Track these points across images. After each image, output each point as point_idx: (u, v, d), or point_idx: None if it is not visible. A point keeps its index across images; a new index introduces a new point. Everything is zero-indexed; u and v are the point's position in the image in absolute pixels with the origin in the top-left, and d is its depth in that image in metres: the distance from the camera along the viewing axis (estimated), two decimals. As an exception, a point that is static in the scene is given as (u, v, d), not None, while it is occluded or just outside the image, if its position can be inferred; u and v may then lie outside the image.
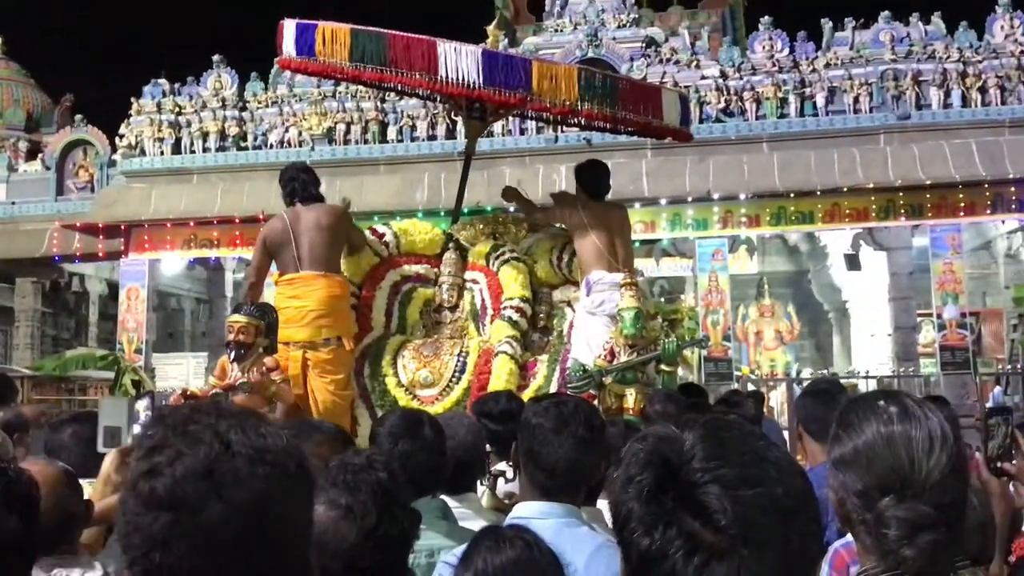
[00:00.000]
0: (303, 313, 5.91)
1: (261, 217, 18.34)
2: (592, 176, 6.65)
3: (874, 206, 17.46)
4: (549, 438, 2.49)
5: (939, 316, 17.38)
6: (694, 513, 1.04)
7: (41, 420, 6.57)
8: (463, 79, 5.62)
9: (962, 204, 17.22)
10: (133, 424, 2.89)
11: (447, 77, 5.64)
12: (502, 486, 3.37)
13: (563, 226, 6.54)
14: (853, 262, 19.48)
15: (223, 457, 1.14)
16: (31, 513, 1.86)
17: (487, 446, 3.23)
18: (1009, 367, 17.44)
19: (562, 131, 17.80)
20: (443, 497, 3.05)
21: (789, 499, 1.05)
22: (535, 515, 2.43)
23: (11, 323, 21.30)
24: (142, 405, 2.99)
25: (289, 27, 6.08)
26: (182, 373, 19.38)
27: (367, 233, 6.68)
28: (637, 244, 18.35)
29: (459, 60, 5.63)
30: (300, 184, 6.27)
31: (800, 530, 1.05)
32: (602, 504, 2.96)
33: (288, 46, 6.10)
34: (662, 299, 19.40)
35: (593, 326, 5.92)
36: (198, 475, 1.12)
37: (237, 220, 18.69)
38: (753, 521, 1.02)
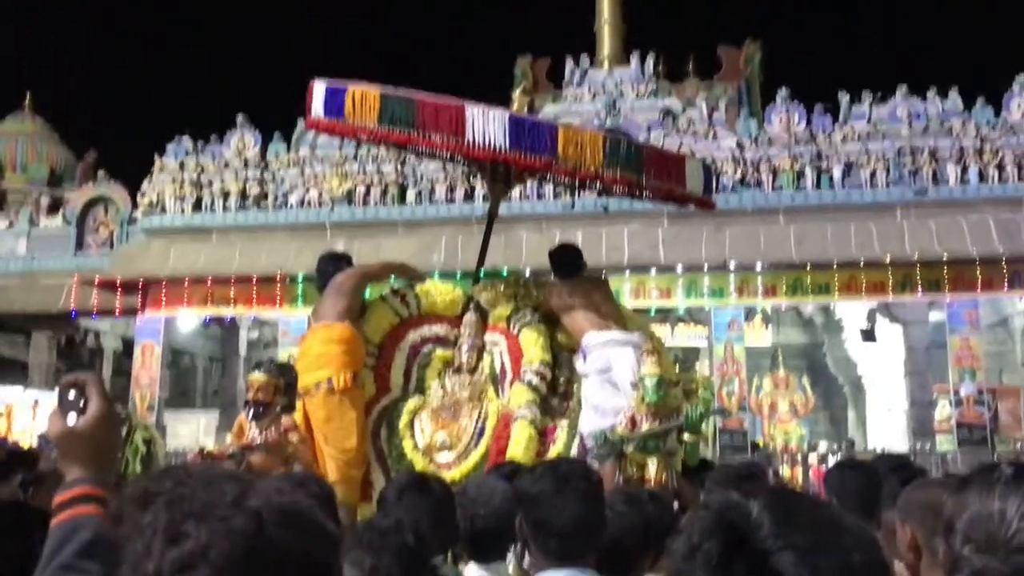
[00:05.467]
0: (301, 362, 5.89)
1: (278, 276, 18.51)
2: (563, 258, 6.71)
3: (891, 280, 17.42)
4: (552, 501, 2.46)
5: (956, 392, 17.22)
6: None
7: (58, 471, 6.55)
8: (490, 142, 5.64)
9: (979, 279, 17.17)
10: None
11: (474, 140, 5.67)
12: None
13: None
14: (869, 335, 19.38)
15: (258, 536, 1.06)
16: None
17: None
18: (1029, 446, 17.20)
19: (579, 196, 17.94)
20: (472, 564, 2.99)
21: (865, 568, 1.02)
22: (553, 584, 2.38)
23: (25, 378, 21.30)
24: None
25: (319, 89, 6.14)
26: (193, 431, 19.33)
27: (388, 294, 6.68)
28: (652, 311, 18.35)
29: (486, 124, 5.66)
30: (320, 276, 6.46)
31: None
32: None
33: (317, 107, 6.15)
34: (676, 368, 19.27)
35: (593, 389, 5.88)
36: (238, 561, 1.04)
37: (254, 279, 18.78)
38: None
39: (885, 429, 19.79)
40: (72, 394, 1.55)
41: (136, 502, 1.09)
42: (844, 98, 19.16)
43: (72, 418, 1.53)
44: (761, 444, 17.96)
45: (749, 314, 18.83)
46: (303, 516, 1.11)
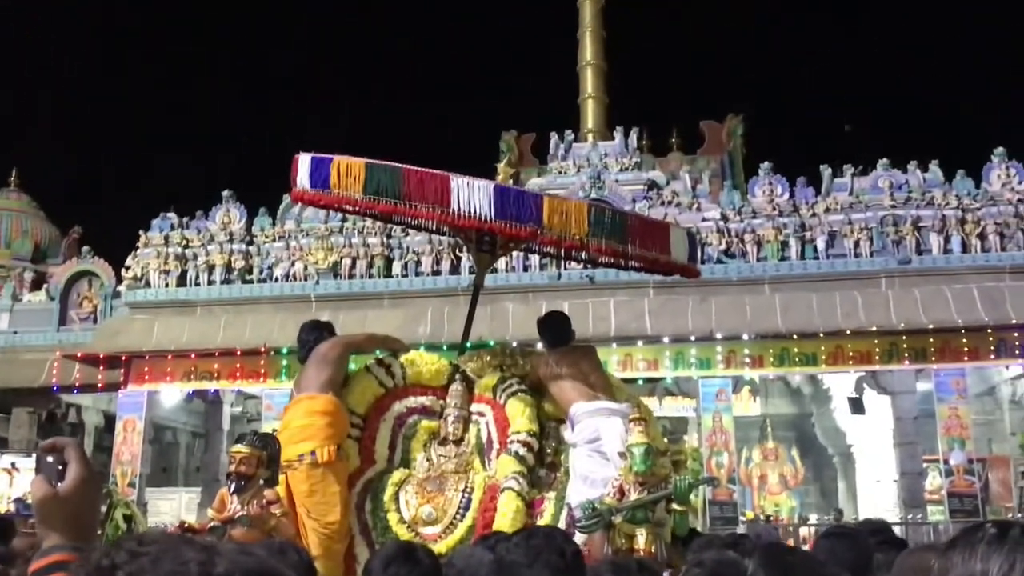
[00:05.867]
0: (284, 434, 5.82)
1: (263, 349, 18.39)
2: (552, 327, 6.69)
3: (877, 349, 17.45)
4: (525, 573, 2.39)
5: (946, 462, 17.13)
6: None
7: (29, 553, 6.38)
8: (475, 212, 5.65)
9: (966, 348, 17.21)
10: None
11: (459, 210, 5.67)
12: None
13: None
14: (857, 406, 19.32)
15: None
16: None
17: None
18: (1020, 516, 17.06)
19: (566, 268, 18.07)
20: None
21: None
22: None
23: (5, 453, 20.97)
24: None
25: (304, 160, 6.16)
26: (174, 508, 18.99)
27: (373, 364, 6.62)
28: (640, 382, 18.28)
29: (471, 194, 5.67)
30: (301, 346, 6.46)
31: None
32: None
33: (303, 179, 6.17)
34: (665, 439, 19.13)
35: (582, 459, 5.81)
36: None
37: (238, 352, 18.66)
38: None
39: (875, 500, 19.61)
40: (51, 458, 1.52)
41: None
42: (826, 171, 19.40)
43: (52, 483, 1.50)
44: (750, 517, 17.74)
45: (737, 384, 18.78)
46: None
